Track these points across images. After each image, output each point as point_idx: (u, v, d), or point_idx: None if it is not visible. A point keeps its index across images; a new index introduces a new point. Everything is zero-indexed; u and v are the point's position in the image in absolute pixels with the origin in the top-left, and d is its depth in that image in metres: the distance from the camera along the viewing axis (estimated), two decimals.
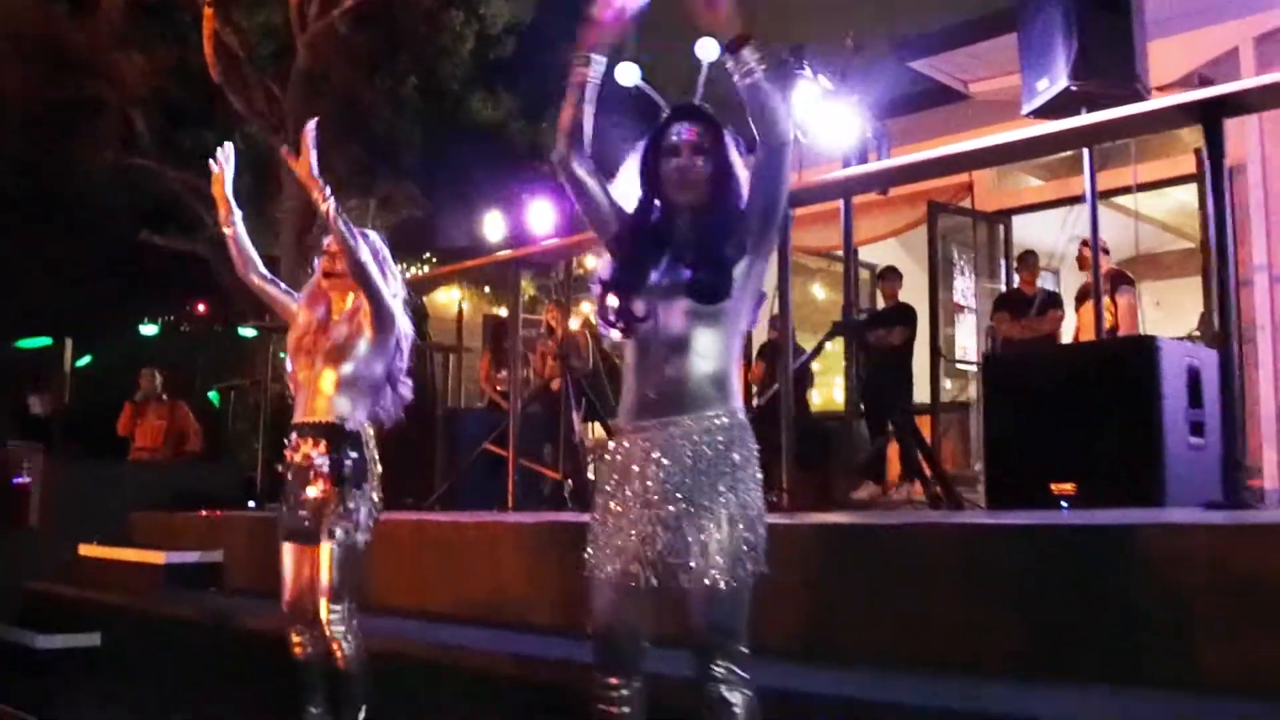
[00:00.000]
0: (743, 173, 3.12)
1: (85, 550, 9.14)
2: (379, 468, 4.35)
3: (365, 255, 4.25)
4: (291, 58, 15.57)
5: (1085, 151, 5.95)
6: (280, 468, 4.47)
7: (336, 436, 4.26)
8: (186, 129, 15.87)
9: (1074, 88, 5.56)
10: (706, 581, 2.89)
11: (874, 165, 7.06)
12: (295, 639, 4.34)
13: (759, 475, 3.03)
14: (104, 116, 15.18)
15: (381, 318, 4.29)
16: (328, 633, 4.19)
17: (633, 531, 2.99)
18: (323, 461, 4.23)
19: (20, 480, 11.86)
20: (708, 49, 3.18)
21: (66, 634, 7.54)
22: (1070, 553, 3.67)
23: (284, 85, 15.60)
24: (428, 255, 17.14)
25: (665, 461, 2.98)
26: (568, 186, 3.11)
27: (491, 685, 4.55)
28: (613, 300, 3.06)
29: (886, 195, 9.67)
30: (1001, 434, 5.36)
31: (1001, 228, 12.26)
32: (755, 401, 7.88)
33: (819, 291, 15.55)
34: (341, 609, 4.20)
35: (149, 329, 16.79)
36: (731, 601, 2.92)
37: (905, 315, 10.46)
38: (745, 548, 2.92)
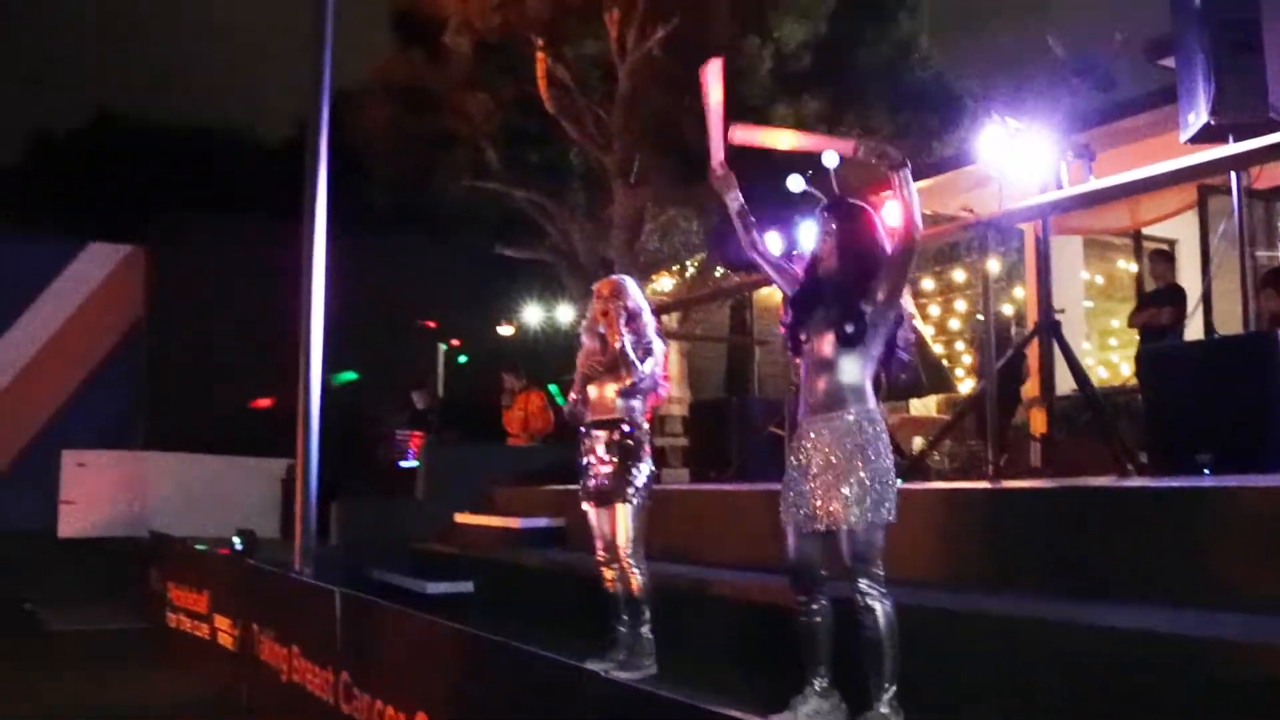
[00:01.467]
0: (881, 243, 4.59)
1: (460, 518, 11.26)
2: (650, 448, 6.05)
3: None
4: (614, 83, 17.53)
5: None
6: (581, 451, 6.20)
7: (619, 427, 5.98)
8: (528, 152, 18.09)
9: (1213, 122, 6.47)
10: (846, 526, 4.37)
11: (1074, 190, 8.07)
12: (605, 575, 6.09)
13: (887, 450, 4.47)
14: (458, 147, 17.58)
15: (629, 364, 5.96)
16: (625, 569, 5.91)
17: (804, 490, 4.50)
18: (612, 445, 5.96)
19: (407, 463, 14.31)
20: (830, 158, 4.75)
21: (448, 582, 9.48)
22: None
23: (609, 109, 17.58)
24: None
25: (821, 444, 4.47)
26: (758, 264, 4.72)
27: (727, 604, 6.12)
28: (788, 334, 4.65)
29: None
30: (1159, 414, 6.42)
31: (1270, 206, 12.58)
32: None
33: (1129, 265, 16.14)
34: (635, 552, 5.91)
35: (505, 330, 19.13)
36: (866, 539, 4.37)
37: (1174, 296, 11.07)
38: (873, 500, 4.37)
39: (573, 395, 6.21)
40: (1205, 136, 6.62)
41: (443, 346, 15.02)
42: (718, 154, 5.19)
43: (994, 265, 14.56)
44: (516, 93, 17.40)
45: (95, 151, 29.22)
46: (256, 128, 31.04)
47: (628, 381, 6.00)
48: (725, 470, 10.08)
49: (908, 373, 4.83)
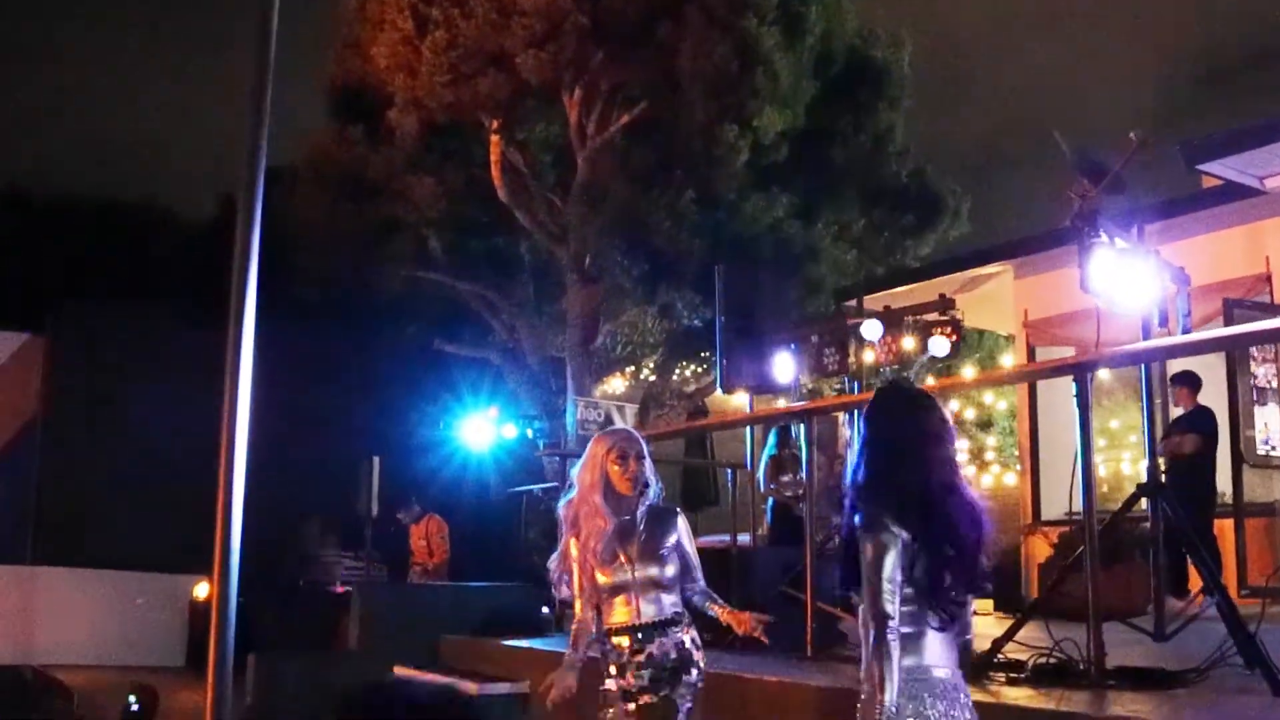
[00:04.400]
0: None
1: (400, 671, 9.55)
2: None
3: None
4: (572, 171, 16.15)
5: None
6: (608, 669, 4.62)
7: (672, 633, 4.45)
8: (475, 241, 16.64)
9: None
10: None
11: (1184, 338, 6.79)
12: None
13: None
14: (399, 235, 16.05)
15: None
16: None
17: None
18: (666, 658, 4.43)
19: (338, 589, 12.69)
20: None
21: None
22: None
23: (565, 197, 16.18)
24: (705, 354, 17.40)
25: None
26: None
27: None
28: None
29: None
30: None
31: None
32: None
33: None
34: None
35: (452, 434, 17.53)
36: None
37: (1196, 422, 9.98)
38: None
39: (580, 612, 4.64)
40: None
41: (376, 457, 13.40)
42: None
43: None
44: (465, 178, 15.95)
45: None
46: (178, 206, 29.26)
47: (671, 571, 4.49)
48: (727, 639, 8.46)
49: None
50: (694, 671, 4.55)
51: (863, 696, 3.29)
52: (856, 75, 16.08)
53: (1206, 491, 10.08)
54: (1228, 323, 10.97)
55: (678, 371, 17.66)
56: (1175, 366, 10.75)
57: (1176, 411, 10.65)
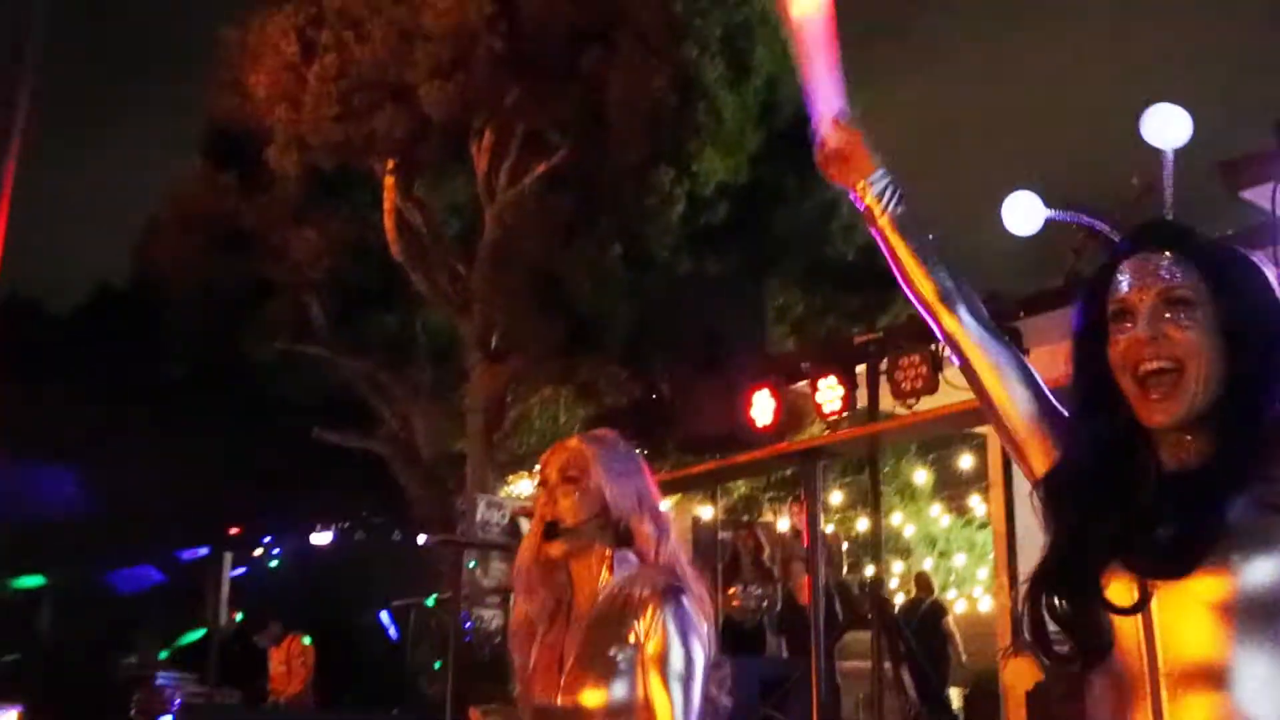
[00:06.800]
0: None
1: None
2: None
3: None
4: (478, 233, 14.03)
5: None
6: None
7: None
8: (364, 311, 14.40)
9: None
10: None
11: None
12: None
13: None
14: (275, 299, 13.77)
15: None
16: None
17: None
18: None
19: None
20: None
21: None
22: None
23: (469, 264, 14.02)
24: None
25: None
26: (959, 361, 1.90)
27: None
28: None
29: None
30: None
31: None
32: None
33: None
34: None
35: (321, 536, 15.04)
36: None
37: None
38: None
39: None
40: None
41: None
42: (827, 102, 2.09)
43: None
44: (355, 234, 13.74)
45: None
46: None
47: None
48: None
49: None
50: None
51: None
52: (805, 131, 14.19)
53: None
54: None
55: None
56: None
57: None
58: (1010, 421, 1.82)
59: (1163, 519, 1.59)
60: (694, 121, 11.80)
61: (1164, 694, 1.54)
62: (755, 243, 14.20)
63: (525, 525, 13.53)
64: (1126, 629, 1.59)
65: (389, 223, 13.42)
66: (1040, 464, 1.78)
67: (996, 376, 1.84)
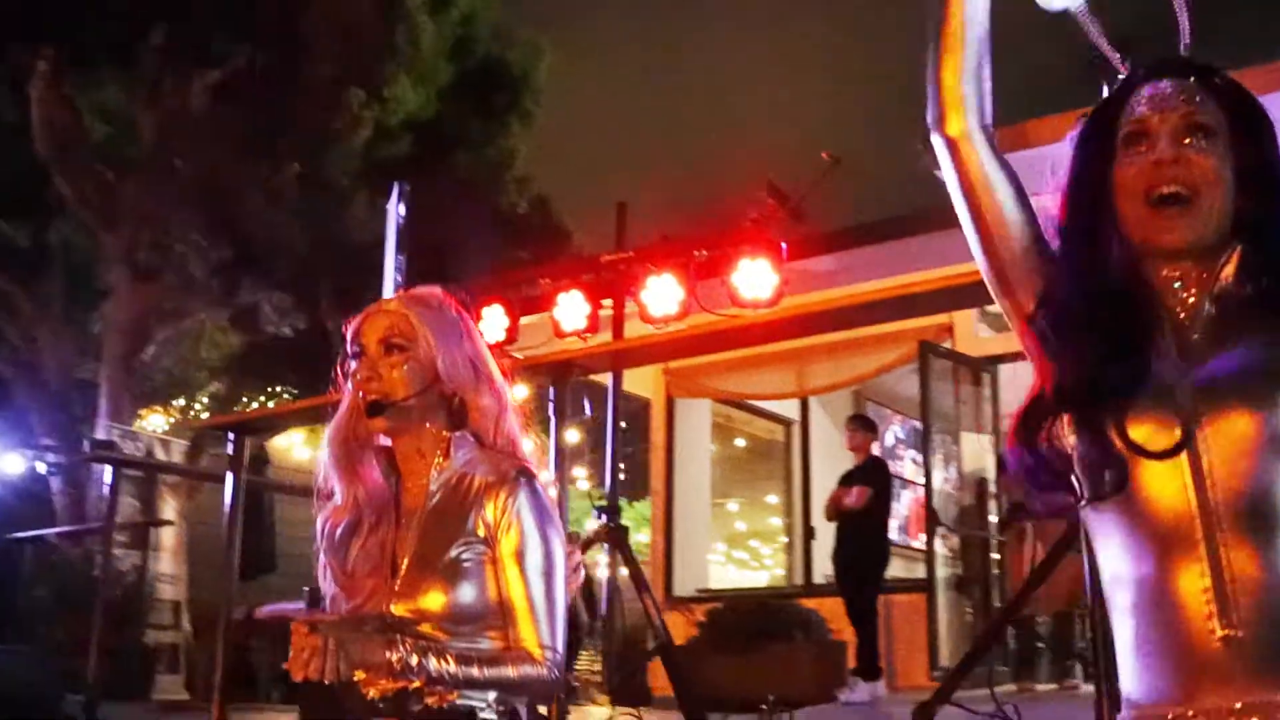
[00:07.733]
0: None
1: None
2: None
3: None
4: (133, 140, 12.88)
5: None
6: None
7: None
8: None
9: None
10: None
11: None
12: None
13: None
14: None
15: None
16: None
17: None
18: None
19: None
20: None
21: None
22: None
23: (120, 171, 12.84)
24: (279, 389, 14.44)
25: None
26: (953, 175, 1.72)
27: None
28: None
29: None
30: None
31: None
32: None
33: None
34: None
35: None
36: None
37: (868, 473, 8.50)
38: None
39: None
40: None
41: None
42: None
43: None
44: None
45: None
46: None
47: None
48: None
49: None
50: None
51: None
52: (494, 77, 13.91)
53: (875, 557, 8.53)
54: (923, 369, 9.68)
55: (247, 404, 14.36)
56: None
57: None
58: (1003, 244, 1.69)
59: (1197, 357, 1.52)
60: (392, 43, 11.25)
61: (1219, 540, 1.45)
62: (434, 186, 13.76)
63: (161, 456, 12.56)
64: (1162, 473, 1.48)
65: (37, 114, 12.06)
66: (1026, 296, 1.67)
67: (993, 194, 1.70)
